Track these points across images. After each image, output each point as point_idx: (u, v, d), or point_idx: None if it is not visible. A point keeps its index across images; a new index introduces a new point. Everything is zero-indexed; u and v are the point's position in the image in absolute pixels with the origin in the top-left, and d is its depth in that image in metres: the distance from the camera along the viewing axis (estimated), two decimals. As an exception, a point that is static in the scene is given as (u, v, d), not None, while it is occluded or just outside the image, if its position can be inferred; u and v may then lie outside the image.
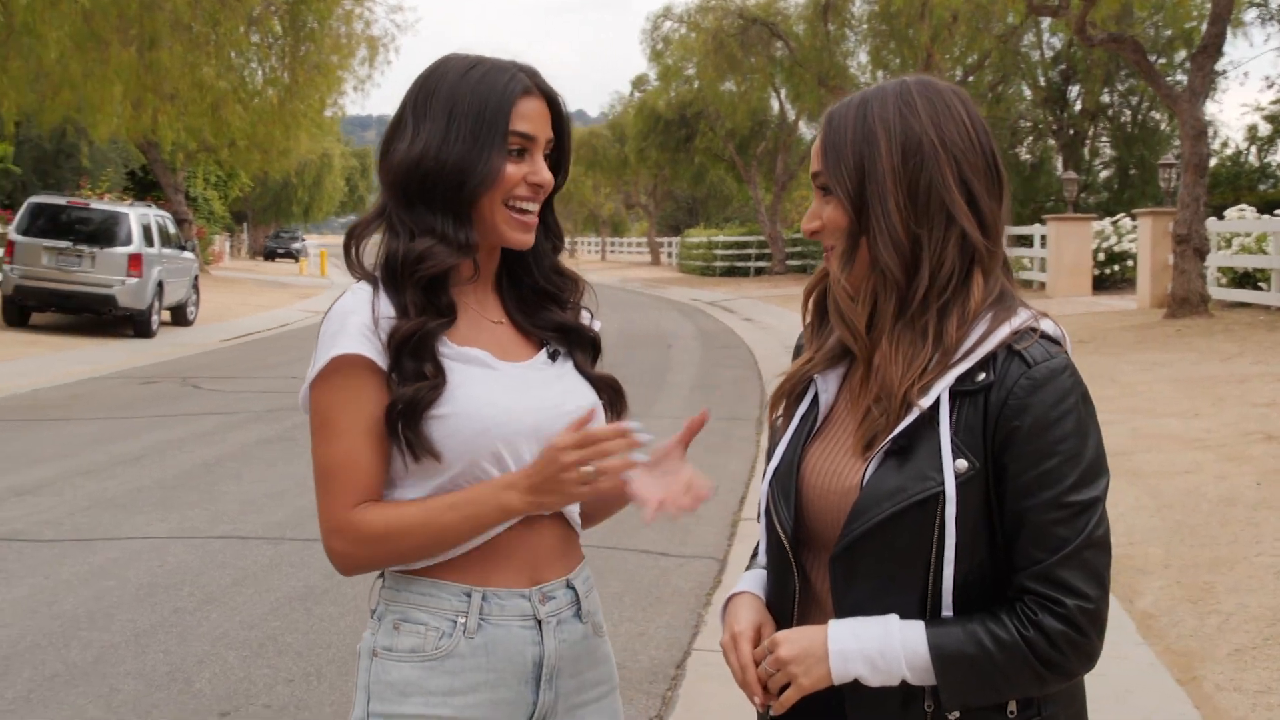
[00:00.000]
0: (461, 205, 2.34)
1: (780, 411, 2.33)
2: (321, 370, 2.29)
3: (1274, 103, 39.58)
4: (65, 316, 24.74)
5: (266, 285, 44.37)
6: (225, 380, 17.69)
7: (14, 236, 23.33)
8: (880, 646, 2.03)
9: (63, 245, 23.02)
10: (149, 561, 7.91)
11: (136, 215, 24.09)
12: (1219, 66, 36.70)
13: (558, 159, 2.48)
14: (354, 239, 2.44)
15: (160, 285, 24.42)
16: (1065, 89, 44.06)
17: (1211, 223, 23.24)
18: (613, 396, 2.54)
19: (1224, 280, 23.43)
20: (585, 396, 2.46)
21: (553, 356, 2.48)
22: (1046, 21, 38.29)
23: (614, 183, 78.08)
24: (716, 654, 4.88)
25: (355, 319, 2.30)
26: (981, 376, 2.05)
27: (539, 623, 2.38)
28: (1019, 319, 2.09)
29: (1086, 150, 44.78)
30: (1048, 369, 2.03)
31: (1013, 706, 2.08)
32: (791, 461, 2.21)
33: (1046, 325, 2.11)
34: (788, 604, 2.22)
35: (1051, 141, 44.68)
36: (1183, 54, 39.27)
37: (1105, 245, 32.11)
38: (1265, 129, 40.19)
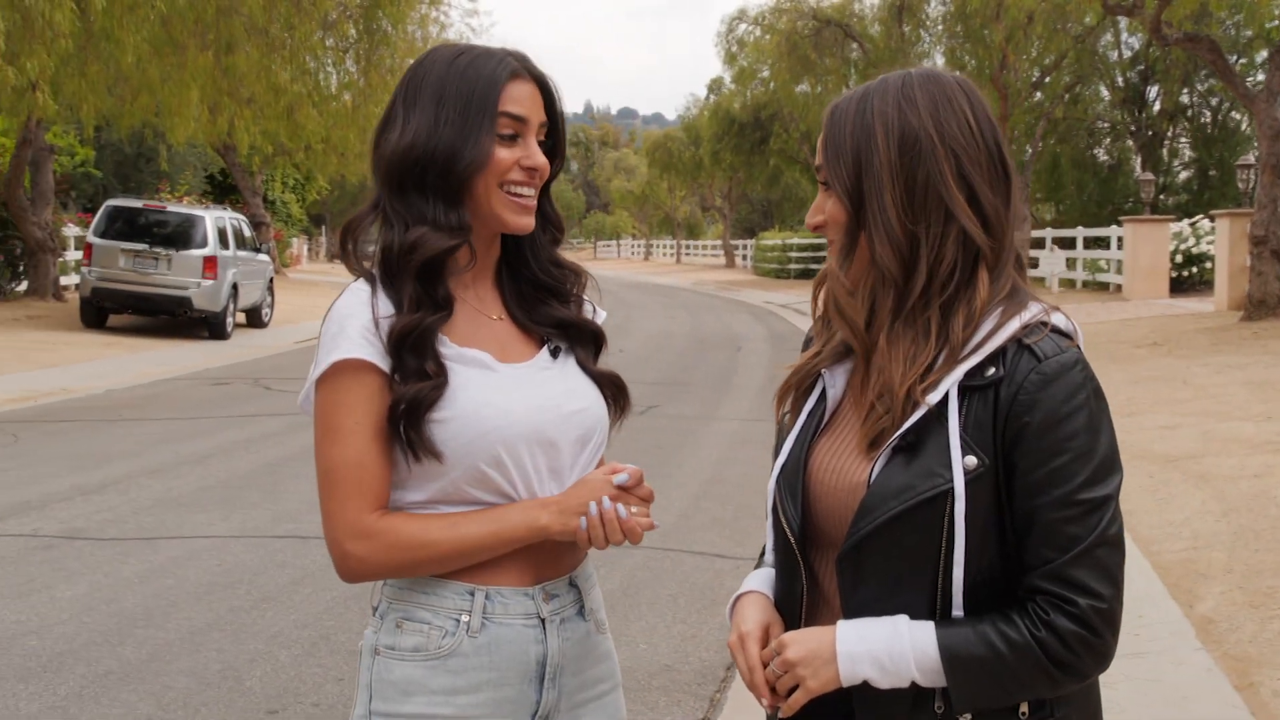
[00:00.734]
0: (452, 190, 2.31)
1: (787, 407, 2.30)
2: (323, 374, 2.27)
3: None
4: (142, 318, 25.11)
5: (342, 288, 44.65)
6: (296, 382, 17.84)
7: (92, 239, 23.73)
8: (889, 648, 1.99)
9: (139, 248, 23.37)
10: (209, 560, 7.99)
11: (212, 218, 24.41)
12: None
13: (552, 145, 2.45)
14: (350, 234, 2.41)
15: (235, 288, 24.71)
16: (1144, 89, 43.50)
17: (1291, 224, 22.83)
18: (615, 393, 2.51)
19: (1304, 282, 23.02)
20: (587, 396, 2.44)
21: (554, 354, 2.45)
22: (1124, 21, 37.84)
23: (689, 185, 78.16)
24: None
25: (354, 321, 2.28)
26: (991, 371, 2.00)
27: (542, 621, 2.36)
28: (1029, 313, 2.05)
29: (1165, 151, 44.19)
30: (1058, 363, 1.98)
31: (1025, 708, 2.03)
32: (798, 459, 2.18)
33: (1058, 319, 2.07)
34: (796, 604, 2.19)
35: (1129, 142, 44.14)
36: (1263, 54, 38.70)
37: (1183, 247, 31.68)
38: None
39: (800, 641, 2.06)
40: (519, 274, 2.48)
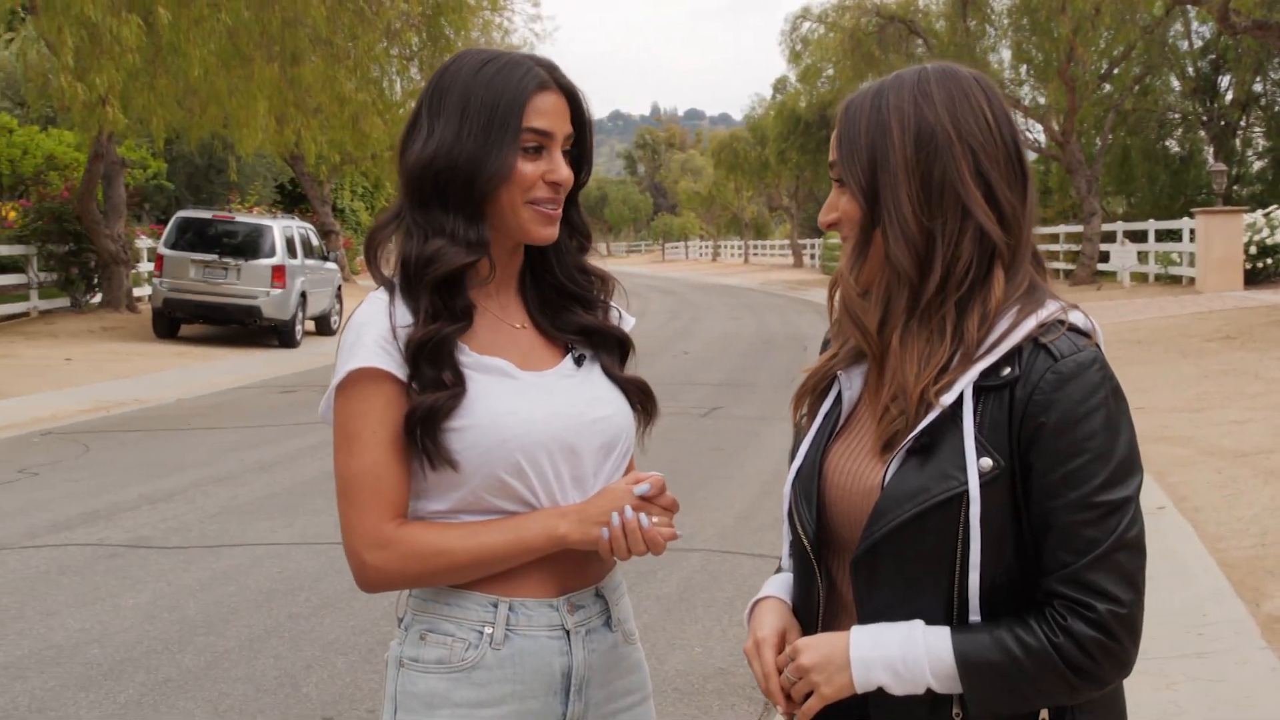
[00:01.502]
0: (473, 204, 2.29)
1: (804, 409, 2.28)
2: (340, 384, 2.27)
3: None
4: (213, 328, 25.42)
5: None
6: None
7: (163, 250, 24.07)
8: (903, 654, 1.97)
9: (209, 258, 23.68)
10: (270, 567, 8.06)
11: (280, 227, 24.68)
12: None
13: (579, 155, 2.42)
14: (373, 242, 2.40)
15: (304, 296, 24.95)
16: (1215, 79, 42.91)
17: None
18: (642, 400, 2.49)
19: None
20: (611, 404, 2.42)
21: (579, 361, 2.43)
22: (1193, 10, 37.38)
23: (756, 185, 78.02)
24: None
25: (371, 330, 2.27)
26: (1006, 371, 1.97)
27: (567, 633, 2.35)
28: (1046, 311, 2.02)
29: (1238, 141, 43.57)
30: (1074, 362, 1.95)
31: (1045, 715, 2.00)
32: (814, 462, 2.16)
33: (1075, 317, 2.04)
34: (813, 608, 2.17)
35: (1201, 133, 43.54)
36: (1338, 39, 38.11)
37: (1257, 238, 31.16)
38: None
39: (814, 647, 2.04)
40: (542, 281, 2.46)
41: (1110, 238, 37.28)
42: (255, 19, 23.97)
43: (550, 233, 2.36)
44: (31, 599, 7.36)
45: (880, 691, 2.00)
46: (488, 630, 2.30)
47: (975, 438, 1.96)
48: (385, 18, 28.24)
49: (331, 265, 28.23)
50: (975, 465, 1.95)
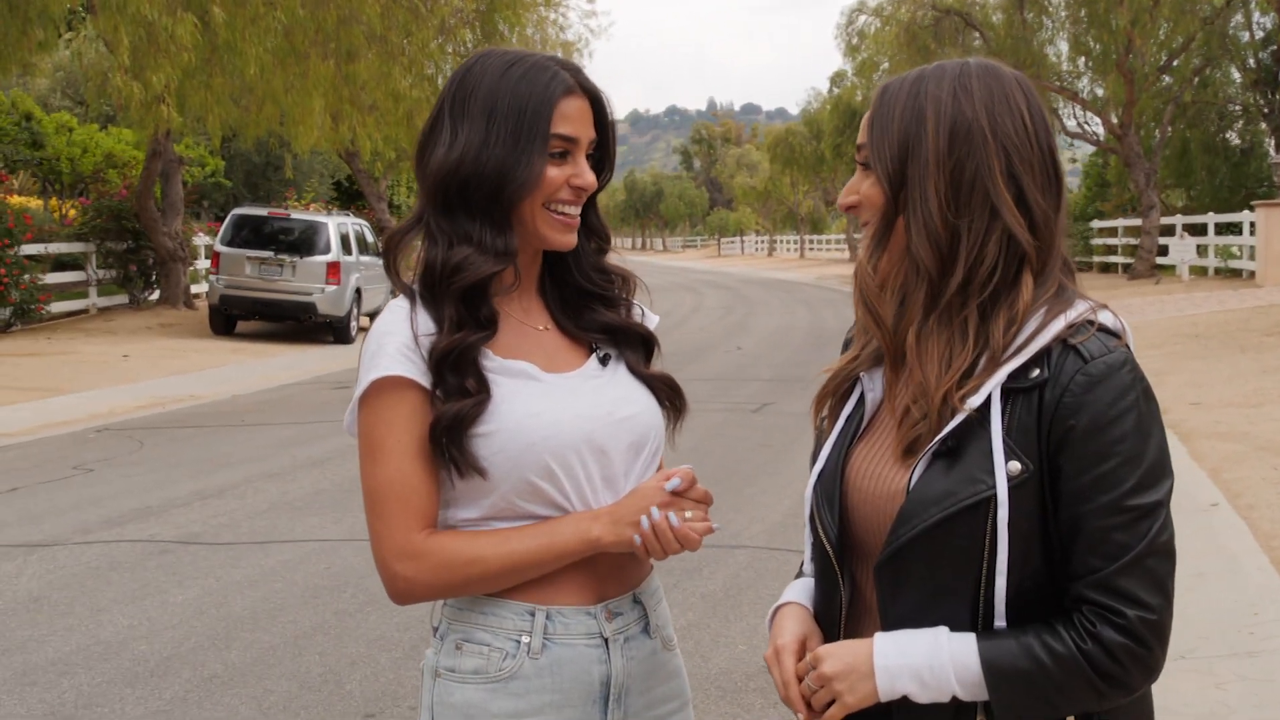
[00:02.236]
0: (500, 211, 2.27)
1: (825, 412, 2.24)
2: (364, 394, 2.26)
3: None
4: (268, 324, 25.60)
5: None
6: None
7: (219, 248, 24.29)
8: (929, 661, 1.94)
9: (264, 255, 23.87)
10: (317, 564, 8.09)
11: (335, 224, 24.85)
12: None
13: (600, 158, 2.40)
14: (392, 248, 2.39)
15: (358, 292, 25.10)
16: (1277, 71, 42.32)
17: None
18: (670, 396, 2.46)
19: None
20: (638, 402, 2.39)
21: (604, 361, 2.41)
22: (1255, 0, 36.94)
23: (811, 180, 77.80)
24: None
25: (393, 339, 2.26)
26: (1035, 373, 1.94)
27: (605, 641, 2.32)
28: (1075, 311, 1.99)
29: (1300, 133, 42.98)
30: (1105, 364, 1.91)
31: None
32: (836, 465, 2.13)
33: (1105, 317, 2.00)
34: (835, 614, 2.14)
35: (1263, 125, 42.96)
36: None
37: (1319, 231, 30.77)
38: None
39: (837, 655, 2.01)
40: (563, 282, 2.44)
41: (1169, 231, 36.91)
42: (310, 17, 24.14)
43: (570, 239, 2.34)
44: (81, 595, 7.43)
45: (904, 699, 1.97)
46: (525, 639, 2.27)
47: (1004, 440, 1.93)
48: (439, 14, 28.41)
49: (386, 261, 28.34)
50: (1004, 468, 1.91)
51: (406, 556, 2.22)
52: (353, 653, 6.44)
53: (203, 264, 29.74)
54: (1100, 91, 40.64)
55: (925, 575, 1.97)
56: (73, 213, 29.33)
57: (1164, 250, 36.39)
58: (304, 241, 24.30)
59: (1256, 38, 41.85)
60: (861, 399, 2.17)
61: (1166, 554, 1.91)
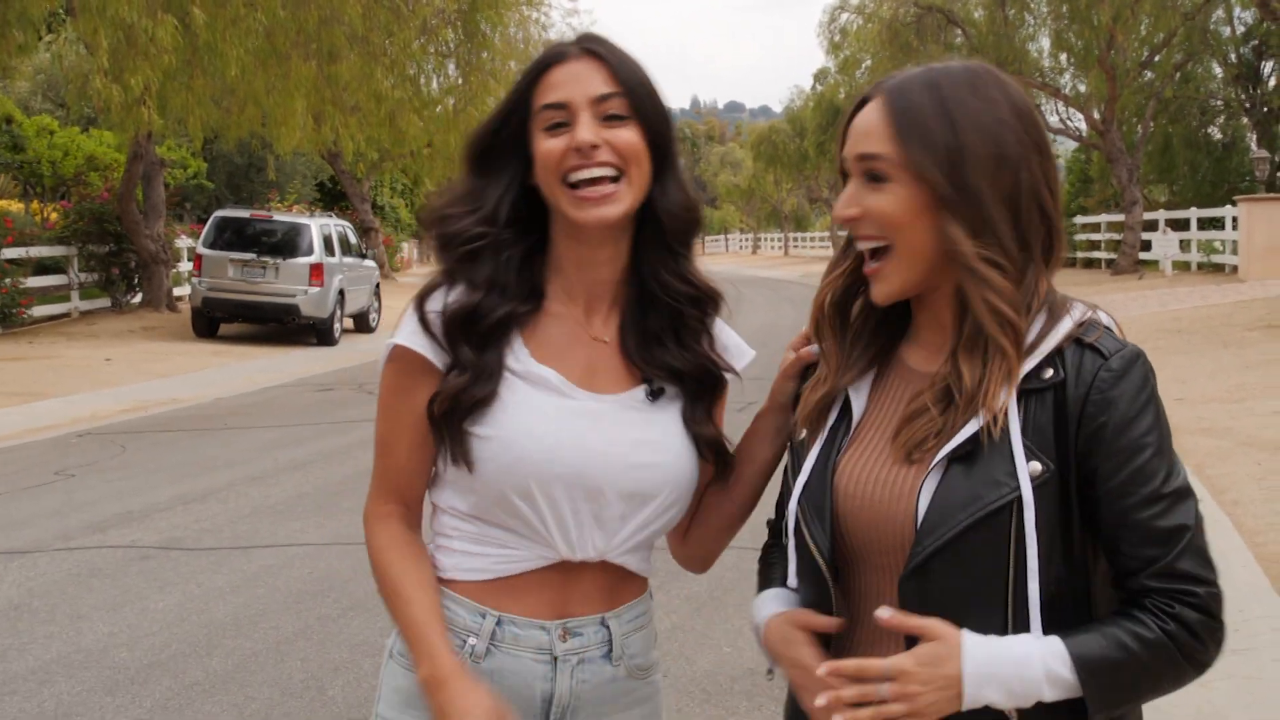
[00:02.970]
0: (502, 183, 2.25)
1: (805, 430, 2.16)
2: (388, 355, 2.27)
3: None
4: (251, 326, 25.53)
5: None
6: (399, 386, 17.99)
7: (201, 250, 24.20)
8: (1019, 671, 1.87)
9: (247, 257, 23.80)
10: (301, 568, 8.06)
11: (318, 226, 24.78)
12: None
13: (636, 111, 2.21)
14: (436, 221, 2.33)
15: (342, 294, 25.04)
16: (1258, 65, 42.44)
17: None
18: (714, 458, 2.33)
19: None
20: (666, 452, 2.25)
21: (654, 395, 2.27)
22: (1235, -4, 37.06)
23: (795, 178, 77.78)
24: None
25: (418, 310, 2.24)
26: (1049, 373, 1.94)
27: (555, 659, 2.24)
28: (1078, 312, 1.99)
29: (1281, 127, 43.12)
30: (1123, 359, 1.93)
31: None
32: (823, 477, 2.06)
33: (1102, 317, 2.01)
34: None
35: (1244, 120, 43.11)
36: (1383, 23, 37.63)
37: (1301, 225, 30.86)
38: None
39: (918, 667, 1.89)
40: (648, 300, 2.29)
41: (1152, 226, 36.98)
42: (291, 18, 24.07)
43: (593, 215, 2.18)
44: (62, 602, 7.38)
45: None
46: (471, 641, 2.22)
47: (1024, 442, 1.92)
48: (421, 15, 28.34)
49: (370, 263, 28.32)
50: (1025, 470, 1.90)
51: (366, 519, 2.31)
52: (336, 658, 6.40)
53: (185, 267, 29.61)
54: (1082, 87, 40.74)
55: (953, 584, 1.93)
56: (54, 216, 29.21)
57: (1147, 245, 36.47)
58: (287, 243, 24.21)
59: (1238, 33, 41.99)
60: (845, 410, 2.11)
61: (1202, 529, 1.93)
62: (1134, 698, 1.94)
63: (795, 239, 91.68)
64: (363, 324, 27.45)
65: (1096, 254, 41.84)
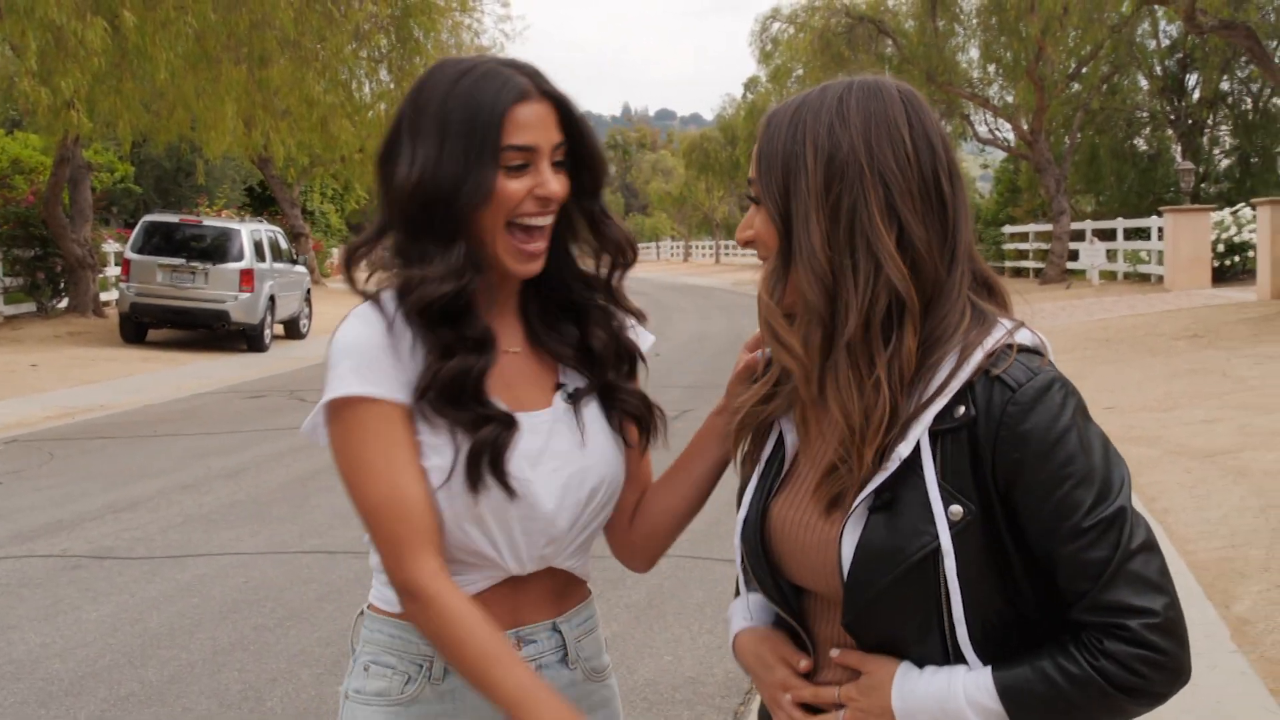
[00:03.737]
0: (457, 228, 2.14)
1: (744, 449, 2.15)
2: (335, 409, 2.12)
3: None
4: (180, 332, 25.27)
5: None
6: (331, 393, 17.87)
7: (130, 255, 23.93)
8: (942, 704, 1.88)
9: (176, 262, 23.56)
10: (235, 578, 7.98)
11: (248, 231, 24.58)
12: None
13: (576, 162, 2.24)
14: (353, 261, 2.26)
15: (272, 300, 24.84)
16: (1183, 77, 43.11)
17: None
18: (642, 424, 2.35)
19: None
20: (594, 451, 2.26)
21: (573, 399, 2.27)
22: (1161, 9, 37.54)
23: (727, 185, 78.06)
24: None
25: (363, 352, 2.12)
26: (961, 411, 1.86)
27: None
28: (992, 339, 1.90)
29: (1205, 139, 43.79)
30: (1033, 389, 1.84)
31: None
32: (757, 516, 2.06)
33: (1023, 337, 1.92)
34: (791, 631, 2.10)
35: (1169, 131, 43.75)
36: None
37: (1225, 236, 31.35)
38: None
39: (860, 698, 1.96)
40: (543, 293, 2.32)
41: (1079, 236, 37.42)
42: (222, 21, 23.90)
43: (530, 268, 2.21)
44: (-8, 612, 7.27)
45: None
46: (428, 664, 2.21)
47: (940, 485, 1.86)
48: (354, 19, 28.17)
49: (300, 269, 28.12)
50: (944, 516, 1.86)
51: (409, 595, 2.09)
52: (273, 669, 6.34)
53: (112, 271, 29.28)
54: (1011, 98, 41.17)
55: (888, 630, 1.92)
56: (-22, 219, 28.79)
57: (1074, 255, 36.90)
58: (217, 248, 24.00)
59: (1163, 45, 42.66)
60: (780, 441, 2.10)
61: (1149, 551, 1.85)
62: None
63: (727, 247, 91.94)
64: (293, 330, 27.26)
65: (1025, 263, 42.28)
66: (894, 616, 1.90)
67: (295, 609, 7.28)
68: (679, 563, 8.16)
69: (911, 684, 1.92)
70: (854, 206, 1.89)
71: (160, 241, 23.96)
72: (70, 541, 8.92)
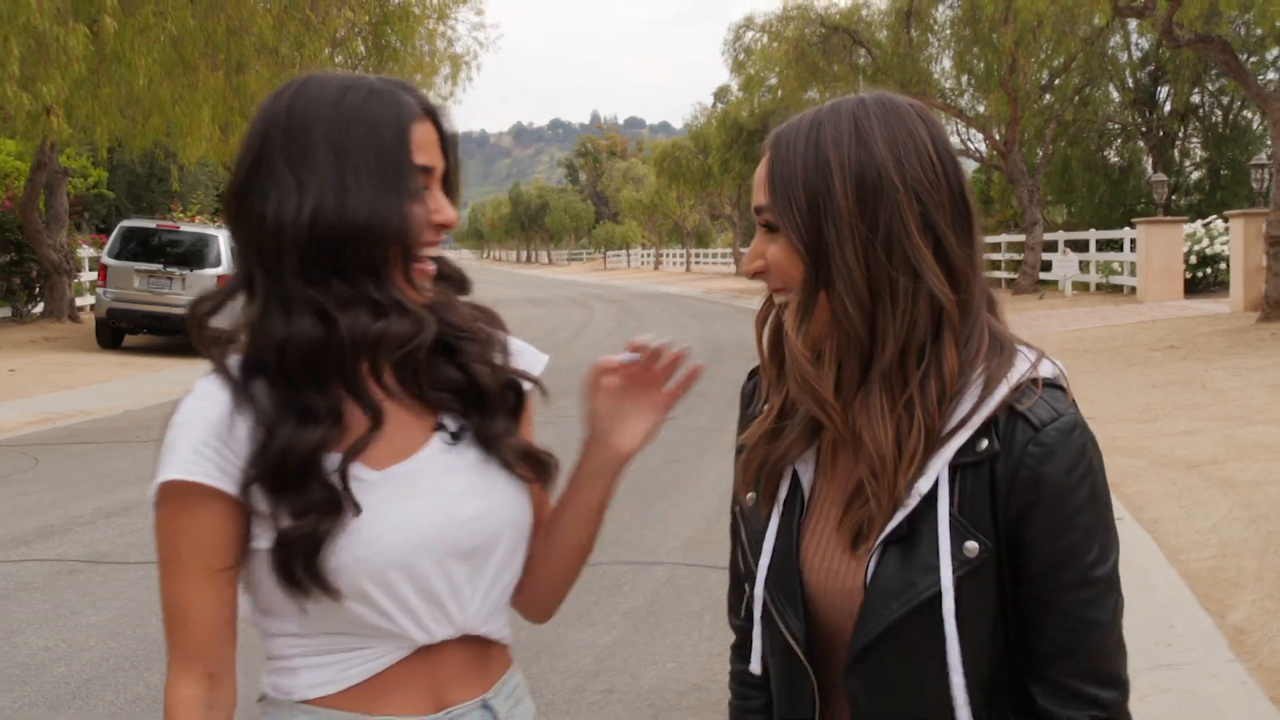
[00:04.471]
0: (375, 265, 1.87)
1: (752, 490, 2.03)
2: (158, 493, 1.88)
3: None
4: (157, 338, 25.20)
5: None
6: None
7: (106, 260, 23.87)
8: None
9: (153, 268, 23.51)
10: (233, 583, 7.98)
11: (225, 237, 24.50)
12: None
13: (449, 189, 2.00)
14: (205, 316, 1.96)
15: (249, 306, 24.74)
16: (1154, 90, 43.44)
17: (1305, 224, 22.78)
18: (536, 472, 2.08)
19: (1319, 282, 22.97)
20: (483, 497, 2.00)
21: (454, 437, 2.02)
22: (1134, 22, 37.81)
23: (698, 194, 78.07)
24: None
25: (194, 432, 1.86)
26: (984, 445, 1.80)
27: None
28: (1017, 372, 1.84)
29: (1177, 151, 44.10)
30: (1056, 431, 1.79)
31: None
32: (790, 559, 1.95)
33: (1045, 369, 1.86)
34: (806, 713, 2.00)
35: (1141, 143, 44.08)
36: (1275, 52, 38.65)
37: (1197, 248, 31.65)
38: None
39: None
40: None
41: (1052, 247, 37.63)
42: (200, 27, 23.86)
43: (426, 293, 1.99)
44: (-8, 616, 7.28)
45: None
46: None
47: (953, 520, 1.81)
48: (331, 26, 28.14)
49: (277, 275, 28.06)
50: (949, 554, 1.80)
51: (170, 706, 1.93)
52: (279, 673, 6.36)
53: (88, 276, 29.19)
54: (983, 109, 41.34)
55: (894, 673, 1.85)
56: (-48, 224, 28.64)
57: (1047, 266, 37.10)
58: (194, 254, 23.96)
59: (1135, 58, 42.95)
60: (796, 480, 1.99)
61: (1119, 623, 1.86)
62: None
63: (697, 255, 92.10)
64: (270, 336, 27.20)
65: (997, 274, 42.48)
66: (901, 656, 1.84)
67: (295, 614, 7.30)
68: (673, 570, 8.21)
69: None
70: (890, 223, 1.82)
71: (137, 247, 23.92)
72: (65, 546, 8.92)
